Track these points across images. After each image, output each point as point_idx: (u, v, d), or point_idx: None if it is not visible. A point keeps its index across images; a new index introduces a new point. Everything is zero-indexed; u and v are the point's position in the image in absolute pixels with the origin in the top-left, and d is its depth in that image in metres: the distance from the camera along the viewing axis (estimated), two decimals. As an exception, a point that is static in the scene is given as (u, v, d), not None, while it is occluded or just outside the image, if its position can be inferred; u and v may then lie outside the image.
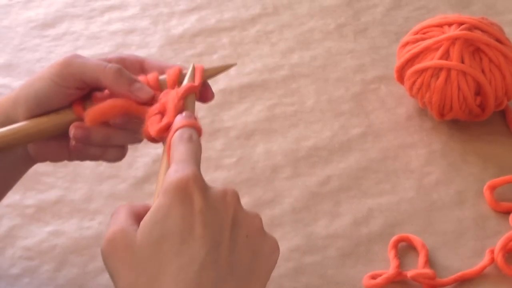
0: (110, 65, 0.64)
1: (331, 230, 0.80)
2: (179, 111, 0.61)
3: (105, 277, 0.76)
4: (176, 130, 0.58)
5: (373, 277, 0.75)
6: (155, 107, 0.62)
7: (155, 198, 0.56)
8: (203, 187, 0.53)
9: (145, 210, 0.55)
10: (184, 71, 0.66)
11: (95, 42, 1.05)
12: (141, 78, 0.65)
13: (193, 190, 0.53)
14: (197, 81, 0.65)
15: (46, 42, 1.05)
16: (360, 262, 0.77)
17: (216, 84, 0.98)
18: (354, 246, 0.79)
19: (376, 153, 0.89)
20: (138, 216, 0.55)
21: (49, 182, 0.85)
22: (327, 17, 1.08)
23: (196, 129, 0.58)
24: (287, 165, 0.87)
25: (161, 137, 0.60)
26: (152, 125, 0.61)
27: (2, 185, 0.70)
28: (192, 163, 0.55)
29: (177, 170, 0.54)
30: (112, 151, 0.67)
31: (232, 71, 0.99)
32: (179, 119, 0.59)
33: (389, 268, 0.76)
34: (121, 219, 0.54)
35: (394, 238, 0.78)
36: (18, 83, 0.98)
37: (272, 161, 0.88)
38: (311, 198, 0.83)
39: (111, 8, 1.10)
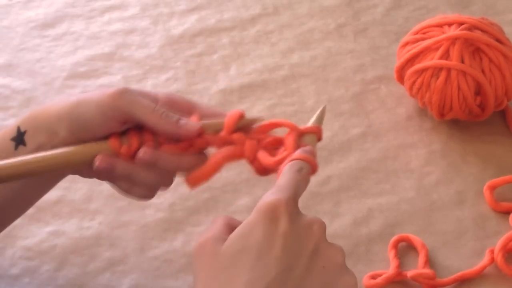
0: (157, 107, 0.64)
1: (331, 230, 0.80)
2: (298, 146, 0.63)
3: (105, 277, 0.76)
4: (291, 160, 0.60)
5: (373, 277, 0.75)
6: (251, 147, 0.64)
7: None
8: (292, 213, 0.56)
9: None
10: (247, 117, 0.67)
11: (95, 42, 1.05)
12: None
13: (281, 213, 0.55)
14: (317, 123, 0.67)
15: (46, 42, 1.05)
16: (360, 262, 0.77)
17: (216, 84, 0.98)
18: (354, 246, 0.79)
19: (376, 153, 0.89)
20: (232, 229, 0.57)
21: (49, 182, 0.85)
22: (327, 17, 1.08)
23: (311, 165, 0.61)
24: (287, 165, 0.87)
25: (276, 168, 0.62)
26: (266, 158, 0.63)
27: (34, 194, 0.71)
28: (291, 191, 0.57)
29: (272, 193, 0.56)
30: (139, 188, 0.66)
31: (232, 71, 1.00)
32: (299, 152, 0.62)
33: (389, 268, 0.76)
34: (216, 228, 0.57)
35: (394, 238, 0.78)
36: (18, 83, 0.98)
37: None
38: (311, 198, 0.83)
39: (111, 8, 1.10)
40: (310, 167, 0.61)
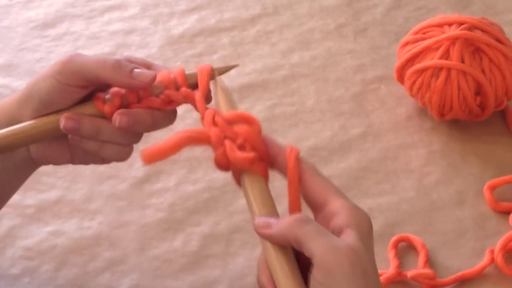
0: (108, 58, 0.64)
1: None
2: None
3: (105, 277, 0.76)
4: (297, 158, 0.61)
5: (373, 277, 0.75)
6: (219, 134, 0.60)
7: (256, 211, 0.60)
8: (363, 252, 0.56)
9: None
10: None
11: (95, 42, 1.05)
12: (164, 72, 0.65)
13: (360, 256, 0.55)
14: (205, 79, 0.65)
15: (46, 42, 1.05)
16: (360, 262, 0.77)
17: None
18: (354, 246, 0.79)
19: (376, 153, 0.89)
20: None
21: (49, 182, 0.85)
22: (327, 17, 1.08)
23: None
24: (287, 165, 0.87)
25: (244, 166, 0.60)
26: (235, 153, 0.59)
27: (5, 188, 0.70)
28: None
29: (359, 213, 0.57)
30: (110, 147, 0.66)
31: (232, 71, 0.99)
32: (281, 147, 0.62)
33: (389, 268, 0.76)
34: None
35: (394, 238, 0.78)
36: (18, 83, 0.98)
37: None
38: (311, 198, 0.83)
39: (111, 8, 1.10)
40: None
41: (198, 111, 0.63)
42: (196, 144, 0.60)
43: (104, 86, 0.65)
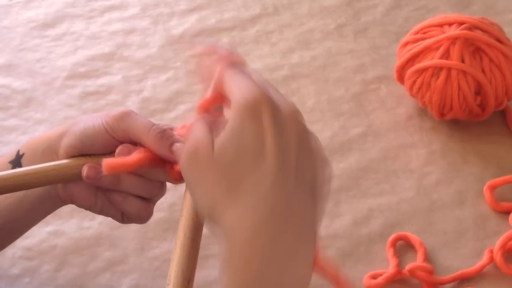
0: (154, 126, 0.65)
1: (331, 230, 0.80)
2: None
3: (105, 277, 0.76)
4: (225, 65, 0.59)
5: (374, 277, 0.75)
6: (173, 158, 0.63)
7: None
8: (272, 104, 0.54)
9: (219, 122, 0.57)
10: None
11: (95, 42, 1.05)
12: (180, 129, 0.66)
13: (263, 108, 0.54)
14: None
15: (46, 42, 1.05)
16: (360, 262, 0.77)
17: (216, 84, 0.98)
18: (354, 246, 0.79)
19: (376, 153, 0.89)
20: (213, 127, 0.56)
21: (49, 182, 0.85)
22: (327, 17, 1.08)
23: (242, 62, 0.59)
24: (287, 165, 0.87)
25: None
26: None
27: (26, 220, 0.70)
28: (256, 84, 0.55)
29: (244, 91, 0.55)
30: (131, 201, 0.67)
31: (232, 71, 0.99)
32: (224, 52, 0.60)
33: (389, 267, 0.76)
34: (201, 132, 0.56)
35: (391, 237, 0.78)
36: (18, 83, 0.98)
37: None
38: (311, 198, 0.83)
39: (111, 8, 1.10)
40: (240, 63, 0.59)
41: None
42: (154, 166, 0.64)
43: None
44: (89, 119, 0.66)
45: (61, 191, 0.67)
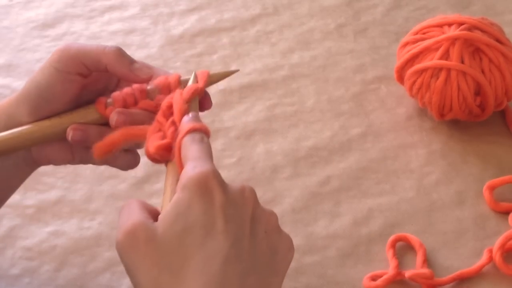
0: (109, 45, 0.64)
1: (331, 230, 0.80)
2: (184, 114, 0.60)
3: (105, 277, 0.76)
4: (186, 132, 0.58)
5: (373, 278, 0.75)
6: (155, 126, 0.62)
7: (164, 204, 0.57)
8: (223, 183, 0.54)
9: (155, 208, 0.56)
10: (183, 77, 0.66)
11: (95, 42, 1.05)
12: (161, 77, 0.65)
13: (213, 185, 0.53)
14: (201, 84, 0.65)
15: (46, 42, 1.05)
16: (360, 262, 0.77)
17: (216, 84, 0.97)
18: (354, 246, 0.79)
19: (376, 153, 0.89)
20: (150, 212, 0.55)
21: (49, 182, 0.85)
22: (327, 17, 1.08)
23: (204, 132, 0.58)
24: (287, 165, 0.87)
25: (162, 154, 0.60)
26: (153, 142, 0.60)
27: (5, 188, 0.70)
28: (209, 161, 0.55)
29: (195, 166, 0.54)
30: (117, 155, 0.66)
31: (232, 71, 1.00)
32: (187, 121, 0.59)
33: (389, 268, 0.76)
34: (137, 213, 0.54)
35: (391, 237, 0.78)
36: (18, 83, 0.98)
37: (272, 161, 0.88)
38: (311, 198, 0.84)
39: (111, 8, 1.10)
40: (205, 133, 0.59)
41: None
42: (136, 139, 0.62)
43: (101, 79, 0.65)
44: (37, 72, 0.64)
45: (35, 154, 0.67)
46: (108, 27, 1.07)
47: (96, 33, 1.06)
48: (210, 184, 0.53)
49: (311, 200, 0.83)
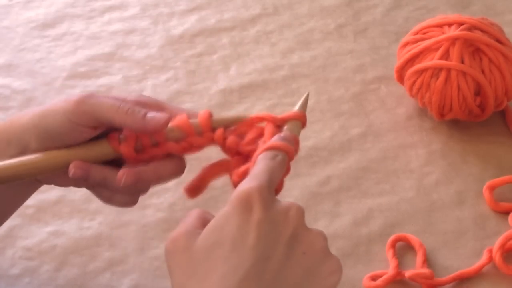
0: (123, 104, 0.63)
1: (331, 230, 0.80)
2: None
3: (105, 277, 0.76)
4: (264, 149, 0.59)
5: (373, 278, 0.75)
6: (238, 159, 0.63)
7: None
8: (266, 200, 0.55)
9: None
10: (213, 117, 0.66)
11: (95, 42, 1.05)
12: (181, 116, 0.65)
13: (255, 201, 0.54)
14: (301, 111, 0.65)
15: (46, 42, 1.05)
16: (360, 262, 0.77)
17: (216, 84, 0.98)
18: (354, 246, 0.79)
19: (376, 153, 0.89)
20: (206, 222, 0.56)
21: (49, 182, 0.85)
22: (327, 17, 1.08)
23: (286, 152, 0.59)
24: (287, 165, 0.87)
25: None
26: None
27: (7, 207, 0.70)
28: (264, 178, 0.56)
29: (246, 182, 0.56)
30: (119, 196, 0.66)
31: (232, 71, 1.00)
32: (274, 139, 0.60)
33: (388, 268, 0.76)
34: (189, 222, 0.57)
35: (391, 237, 0.78)
36: (18, 83, 0.98)
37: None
38: (311, 198, 0.84)
39: (111, 8, 1.10)
40: (286, 153, 0.59)
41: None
42: (224, 172, 0.64)
43: (115, 128, 0.65)
44: (49, 112, 0.63)
45: (42, 178, 0.67)
46: (108, 27, 1.07)
47: (96, 33, 1.06)
48: (252, 200, 0.54)
49: (311, 200, 0.83)
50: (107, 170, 0.64)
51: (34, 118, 0.64)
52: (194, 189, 0.65)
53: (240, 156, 0.63)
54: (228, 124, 0.65)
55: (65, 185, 0.67)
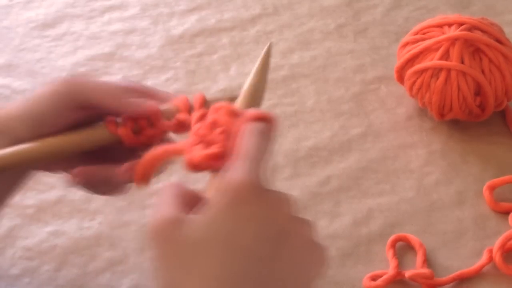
0: (118, 90, 0.63)
1: (331, 230, 0.80)
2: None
3: (105, 277, 0.76)
4: (252, 117, 0.56)
5: (373, 278, 0.75)
6: (194, 140, 0.60)
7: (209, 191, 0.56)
8: (260, 193, 0.53)
9: (195, 197, 0.55)
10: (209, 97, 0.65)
11: (95, 42, 1.05)
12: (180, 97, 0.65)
13: (248, 196, 0.52)
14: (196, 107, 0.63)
15: (46, 42, 1.05)
16: (360, 262, 0.77)
17: (216, 84, 0.98)
18: (354, 246, 0.79)
19: (376, 153, 0.89)
20: (186, 201, 0.54)
21: (49, 182, 0.85)
22: (327, 17, 1.08)
23: (269, 122, 0.57)
24: (287, 165, 0.87)
25: (209, 164, 0.58)
26: (198, 152, 0.58)
27: (5, 195, 0.70)
28: (256, 163, 0.54)
29: (237, 169, 0.53)
30: (118, 191, 0.67)
31: (232, 71, 1.00)
32: (255, 110, 0.57)
33: (388, 268, 0.76)
34: (169, 202, 0.54)
35: (391, 238, 0.78)
36: (18, 83, 0.98)
37: (272, 161, 0.88)
38: (311, 198, 0.84)
39: (111, 8, 1.10)
40: (270, 125, 0.56)
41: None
42: (175, 156, 0.61)
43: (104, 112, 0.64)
44: (33, 98, 0.62)
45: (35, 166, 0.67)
46: (108, 27, 1.07)
47: (96, 33, 1.06)
48: (246, 195, 0.52)
49: (311, 200, 0.83)
50: (111, 169, 0.64)
51: (19, 104, 0.63)
52: (145, 175, 0.61)
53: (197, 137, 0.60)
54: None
55: (58, 171, 0.67)
